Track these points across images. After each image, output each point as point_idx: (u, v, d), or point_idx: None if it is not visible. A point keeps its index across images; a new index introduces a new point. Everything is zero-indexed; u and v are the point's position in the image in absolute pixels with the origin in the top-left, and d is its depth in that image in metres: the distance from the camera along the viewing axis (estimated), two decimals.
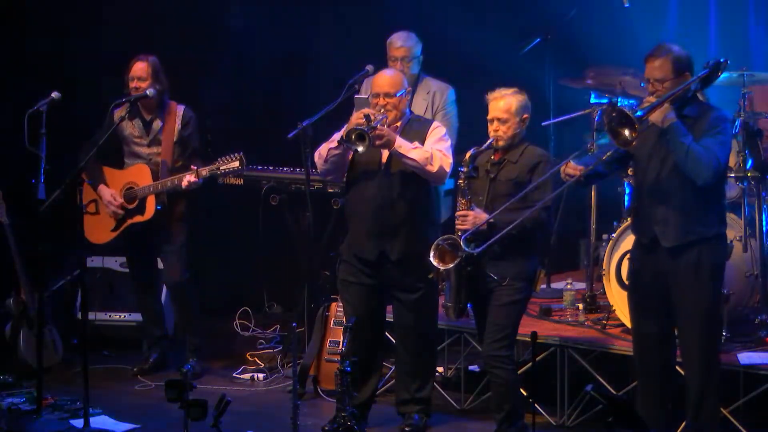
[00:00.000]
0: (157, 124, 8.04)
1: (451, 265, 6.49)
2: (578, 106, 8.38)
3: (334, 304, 7.78)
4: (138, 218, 8.02)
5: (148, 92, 7.86)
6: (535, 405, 6.73)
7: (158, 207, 7.96)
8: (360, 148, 6.63)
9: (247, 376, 8.14)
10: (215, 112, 9.52)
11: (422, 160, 6.70)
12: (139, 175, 8.01)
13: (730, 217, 7.20)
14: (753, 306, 7.35)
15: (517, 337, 6.74)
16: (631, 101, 7.90)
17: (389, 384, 7.57)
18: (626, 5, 8.53)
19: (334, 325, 7.77)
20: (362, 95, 7.08)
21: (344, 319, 6.95)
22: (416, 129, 6.89)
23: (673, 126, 6.08)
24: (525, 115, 6.67)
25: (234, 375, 8.16)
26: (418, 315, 6.92)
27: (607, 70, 8.39)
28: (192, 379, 5.97)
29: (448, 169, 6.79)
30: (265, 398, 7.80)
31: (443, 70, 8.05)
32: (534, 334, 6.11)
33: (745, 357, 6.83)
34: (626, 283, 6.91)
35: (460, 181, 6.68)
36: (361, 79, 7.47)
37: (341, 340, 6.92)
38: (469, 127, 7.66)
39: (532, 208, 6.42)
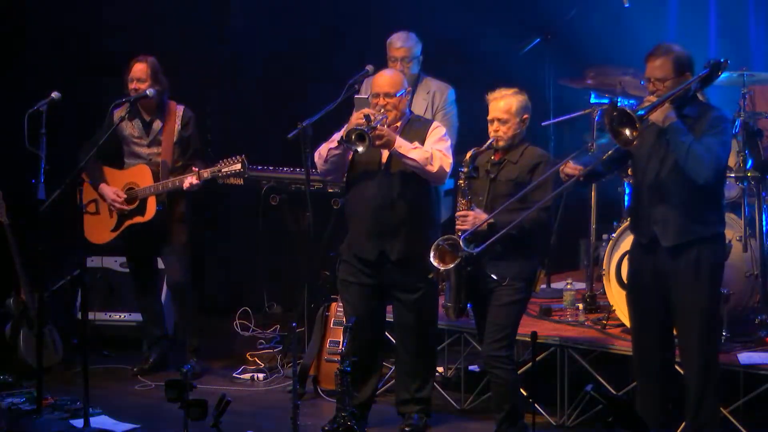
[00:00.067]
0: (157, 124, 8.04)
1: (451, 266, 6.49)
2: (578, 106, 8.39)
3: (334, 304, 7.78)
4: (138, 219, 8.02)
5: (148, 92, 7.86)
6: (535, 405, 6.73)
7: (159, 207, 7.97)
8: (360, 149, 6.63)
9: (247, 376, 8.14)
10: (215, 112, 9.52)
11: (422, 160, 6.70)
12: (140, 175, 8.01)
13: (730, 217, 7.21)
14: (753, 306, 7.34)
15: (517, 337, 6.74)
16: (631, 101, 7.90)
17: (389, 384, 7.57)
18: (626, 5, 8.53)
19: (334, 325, 7.76)
20: (362, 95, 7.08)
21: (344, 319, 6.95)
22: (416, 129, 6.89)
23: (673, 125, 6.08)
24: (525, 116, 6.67)
25: (234, 375, 8.16)
26: (418, 315, 6.92)
27: (607, 70, 8.39)
28: (192, 379, 5.97)
29: (448, 169, 6.79)
30: (265, 398, 7.80)
31: (443, 70, 8.05)
32: (534, 334, 6.12)
33: (745, 357, 6.83)
34: (626, 283, 6.91)
35: (461, 182, 6.68)
36: (361, 79, 7.47)
37: (341, 340, 6.92)
38: (469, 127, 7.66)
39: (531, 209, 6.42)
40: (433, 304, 7.01)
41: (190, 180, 7.85)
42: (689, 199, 6.15)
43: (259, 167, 8.33)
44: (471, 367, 7.81)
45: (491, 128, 6.65)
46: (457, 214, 6.62)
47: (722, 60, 6.21)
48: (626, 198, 7.98)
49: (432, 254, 6.51)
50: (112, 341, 8.69)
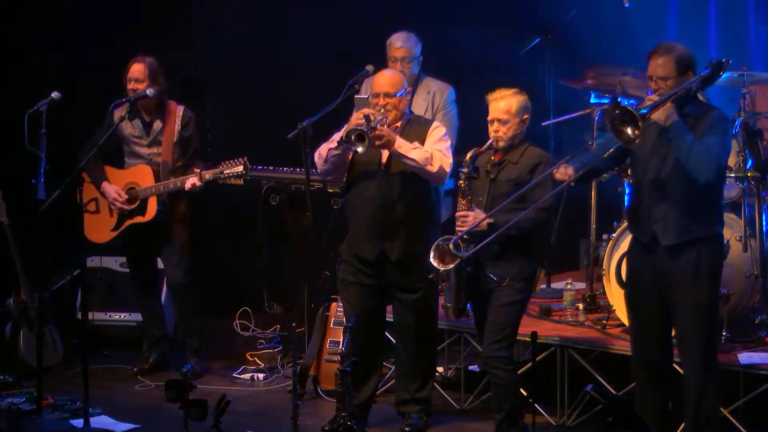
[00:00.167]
0: (157, 124, 8.04)
1: (451, 266, 6.49)
2: (578, 106, 8.38)
3: (334, 304, 7.78)
4: (139, 219, 8.02)
5: (147, 92, 7.86)
6: (535, 405, 6.73)
7: (159, 207, 7.97)
8: (360, 149, 6.63)
9: (247, 376, 8.15)
10: (215, 112, 9.52)
11: (422, 160, 6.69)
12: (141, 175, 8.01)
13: (730, 217, 7.22)
14: (753, 306, 7.34)
15: (517, 337, 6.74)
16: (631, 101, 7.89)
17: (389, 384, 7.57)
18: (626, 5, 8.53)
19: (334, 325, 7.77)
20: (362, 95, 7.07)
21: (344, 319, 6.94)
22: (416, 129, 6.89)
23: (675, 124, 6.08)
24: (525, 116, 6.66)
25: (234, 375, 8.16)
26: (418, 315, 6.91)
27: (607, 70, 8.38)
28: (192, 379, 5.98)
29: (448, 170, 6.79)
30: (265, 398, 7.80)
31: (443, 70, 8.05)
32: (534, 334, 6.12)
33: (745, 357, 6.83)
34: (625, 282, 6.91)
35: (461, 182, 6.68)
36: (361, 79, 7.46)
37: (341, 340, 6.91)
38: (470, 127, 7.66)
39: (528, 209, 6.41)
40: (433, 304, 7.01)
41: (191, 181, 7.85)
42: (690, 199, 6.16)
43: (259, 167, 8.33)
44: (471, 367, 7.81)
45: (491, 128, 6.64)
46: (457, 214, 6.62)
47: (724, 60, 6.21)
48: (626, 198, 7.98)
49: (432, 254, 6.51)
50: (112, 341, 8.69)
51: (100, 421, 7.11)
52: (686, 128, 6.09)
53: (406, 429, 6.98)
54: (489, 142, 6.65)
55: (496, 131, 6.62)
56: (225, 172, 7.85)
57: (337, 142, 6.73)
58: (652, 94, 6.18)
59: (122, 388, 7.94)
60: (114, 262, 8.86)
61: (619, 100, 7.28)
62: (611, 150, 6.39)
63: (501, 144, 6.64)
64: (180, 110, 8.08)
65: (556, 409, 7.18)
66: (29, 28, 9.32)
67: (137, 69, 7.93)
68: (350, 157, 6.84)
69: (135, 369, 8.18)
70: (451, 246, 6.43)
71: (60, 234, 7.46)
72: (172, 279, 8.15)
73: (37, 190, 7.08)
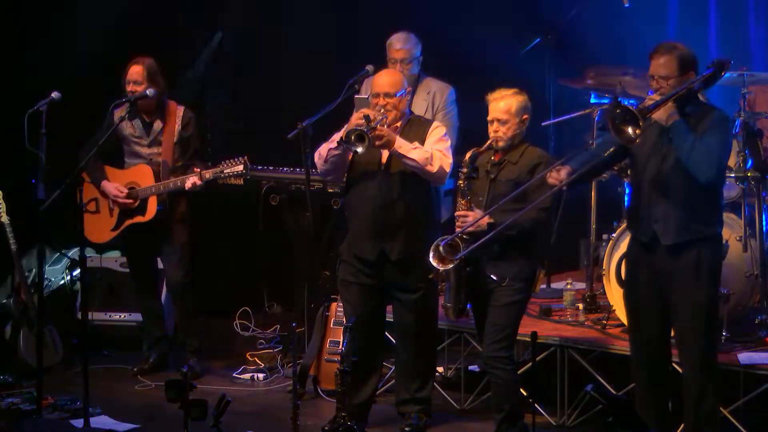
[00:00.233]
0: (157, 124, 8.04)
1: (451, 266, 6.49)
2: (578, 106, 8.39)
3: (334, 304, 7.78)
4: (139, 218, 8.02)
5: (147, 92, 7.85)
6: (535, 405, 6.72)
7: (159, 207, 7.97)
8: (360, 149, 6.62)
9: (247, 376, 8.14)
10: (215, 112, 9.51)
11: (422, 160, 6.69)
12: (141, 175, 8.01)
13: (730, 217, 7.22)
14: (753, 306, 7.35)
15: (517, 337, 6.74)
16: (631, 101, 7.90)
17: (389, 384, 7.57)
18: (626, 5, 8.53)
19: (334, 325, 7.76)
20: (362, 95, 7.07)
21: (344, 319, 6.95)
22: (416, 129, 6.89)
23: (676, 124, 6.09)
24: (525, 116, 6.66)
25: (234, 375, 8.16)
26: (418, 315, 6.91)
27: (607, 70, 8.38)
28: (192, 379, 5.97)
29: (448, 170, 6.79)
30: (265, 398, 7.80)
31: (443, 70, 8.05)
32: (534, 334, 6.12)
33: (745, 357, 6.83)
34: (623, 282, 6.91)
35: (460, 182, 6.68)
36: (361, 79, 7.46)
37: (341, 340, 6.91)
38: (470, 128, 7.66)
39: (523, 209, 6.41)
40: (433, 304, 7.01)
41: (192, 180, 7.85)
42: (690, 198, 6.16)
43: (259, 167, 8.32)
44: (471, 367, 7.81)
45: (491, 129, 6.64)
46: (457, 214, 6.62)
47: (726, 60, 6.21)
48: (626, 198, 7.98)
49: (431, 254, 6.50)
50: (112, 341, 8.69)
51: (100, 421, 7.11)
52: (688, 128, 6.09)
53: (406, 429, 6.98)
54: (488, 142, 6.65)
55: (496, 131, 6.62)
56: (225, 171, 7.85)
57: (337, 142, 6.73)
58: (653, 94, 6.18)
59: (122, 388, 7.94)
60: (114, 262, 8.87)
61: (619, 100, 7.29)
62: (612, 149, 6.40)
63: (500, 144, 6.64)
64: (180, 110, 8.08)
65: (556, 409, 7.18)
66: (29, 28, 9.31)
67: (135, 71, 7.93)
68: (350, 157, 6.84)
69: (135, 369, 8.18)
70: (441, 248, 6.44)
71: (60, 234, 7.47)
72: (172, 279, 8.15)
73: (37, 190, 7.08)
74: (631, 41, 8.53)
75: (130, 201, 7.97)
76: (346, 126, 6.73)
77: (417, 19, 8.72)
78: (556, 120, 8.47)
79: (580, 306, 7.86)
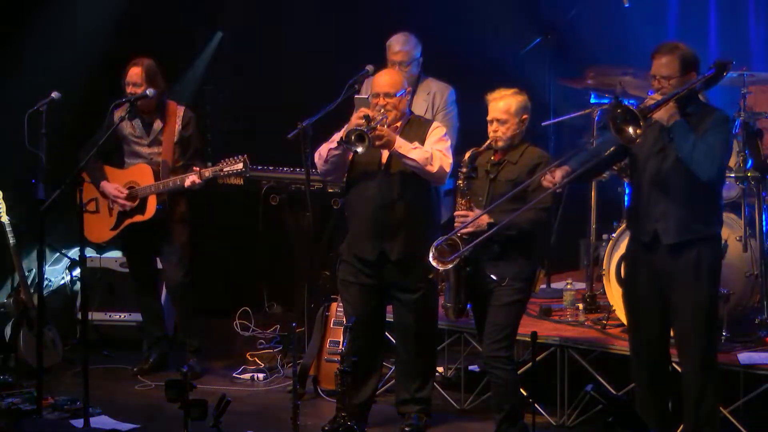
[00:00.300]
0: (157, 124, 8.04)
1: (450, 266, 6.49)
2: (578, 106, 8.39)
3: (334, 304, 7.78)
4: (138, 218, 8.02)
5: (147, 92, 7.85)
6: (535, 405, 6.72)
7: (159, 207, 7.97)
8: (360, 149, 6.62)
9: (247, 376, 8.14)
10: (215, 112, 9.51)
11: (422, 160, 6.69)
12: (141, 174, 8.01)
13: (730, 217, 7.22)
14: (753, 306, 7.34)
15: (517, 337, 6.74)
16: (631, 101, 7.89)
17: (389, 384, 7.57)
18: (626, 5, 8.53)
19: (334, 325, 7.76)
20: (362, 95, 7.07)
21: (344, 319, 6.94)
22: (416, 129, 6.89)
23: (678, 124, 6.09)
24: (524, 116, 6.66)
25: (234, 375, 8.16)
26: (418, 315, 6.91)
27: (607, 70, 8.38)
28: (192, 379, 5.97)
29: (448, 170, 6.79)
30: (265, 398, 7.80)
31: (443, 70, 8.04)
32: (534, 334, 6.12)
33: (745, 357, 6.83)
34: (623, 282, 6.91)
35: (460, 182, 6.68)
36: (361, 79, 7.45)
37: (341, 340, 6.92)
38: (470, 128, 7.66)
39: (520, 209, 6.40)
40: (433, 304, 7.01)
41: (191, 179, 7.86)
42: (690, 198, 6.16)
43: (259, 167, 8.33)
44: (471, 367, 7.81)
45: (490, 128, 6.64)
46: (456, 213, 6.62)
47: (728, 61, 6.22)
48: (626, 198, 7.98)
49: (431, 254, 6.50)
50: (112, 341, 8.69)
51: (100, 421, 7.11)
52: (689, 128, 6.09)
53: (406, 429, 6.98)
54: (488, 142, 6.65)
55: (495, 131, 6.62)
56: (225, 169, 7.85)
57: (337, 142, 6.73)
58: (654, 93, 6.18)
59: (122, 388, 7.93)
60: (114, 262, 8.87)
61: (620, 99, 7.29)
62: (612, 149, 6.40)
63: (500, 144, 6.64)
64: (180, 110, 8.08)
65: (556, 409, 7.18)
66: (29, 28, 9.31)
67: (134, 73, 7.92)
68: (350, 157, 6.84)
69: (135, 369, 8.18)
70: (440, 248, 6.44)
71: (60, 234, 7.47)
72: (172, 279, 8.15)
73: (37, 190, 7.08)
74: (631, 41, 8.54)
75: (129, 202, 7.98)
76: (346, 126, 6.72)
77: (417, 19, 8.73)
78: (556, 120, 8.47)
79: (580, 306, 7.87)
